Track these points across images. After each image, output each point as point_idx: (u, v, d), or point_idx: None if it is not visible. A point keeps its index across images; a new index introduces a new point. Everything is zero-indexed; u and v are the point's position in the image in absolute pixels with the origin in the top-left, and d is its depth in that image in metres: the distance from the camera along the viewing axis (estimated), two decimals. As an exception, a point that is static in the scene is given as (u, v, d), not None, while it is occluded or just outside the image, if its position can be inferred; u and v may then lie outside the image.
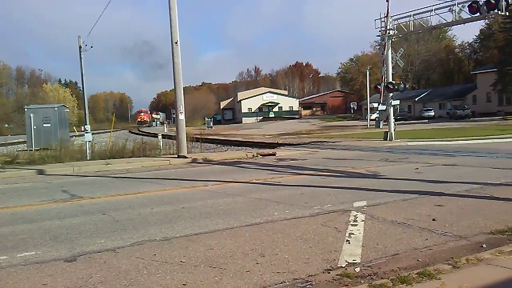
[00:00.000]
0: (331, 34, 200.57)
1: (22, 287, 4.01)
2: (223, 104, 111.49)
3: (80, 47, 20.14)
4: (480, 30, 75.13)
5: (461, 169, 11.47)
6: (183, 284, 3.95)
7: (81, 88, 23.44)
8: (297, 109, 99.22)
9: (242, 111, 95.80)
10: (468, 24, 21.94)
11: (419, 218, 6.14)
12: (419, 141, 22.07)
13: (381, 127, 34.74)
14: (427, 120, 56.77)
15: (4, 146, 30.24)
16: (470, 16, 19.58)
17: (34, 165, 15.19)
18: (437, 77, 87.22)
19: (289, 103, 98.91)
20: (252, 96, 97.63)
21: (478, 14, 18.64)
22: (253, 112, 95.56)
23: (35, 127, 24.64)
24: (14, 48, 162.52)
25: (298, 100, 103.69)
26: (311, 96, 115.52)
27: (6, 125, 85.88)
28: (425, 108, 65.09)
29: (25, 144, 27.11)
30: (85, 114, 19.76)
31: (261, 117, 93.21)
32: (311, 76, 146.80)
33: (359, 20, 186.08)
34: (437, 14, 21.05)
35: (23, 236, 5.82)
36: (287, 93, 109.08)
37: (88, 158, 16.97)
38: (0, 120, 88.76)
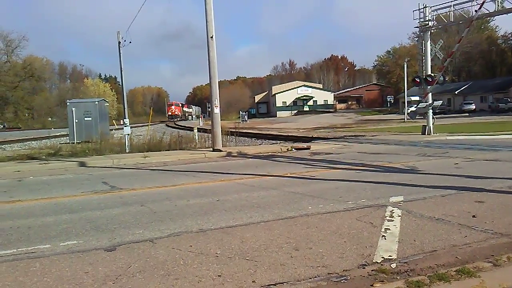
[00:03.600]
0: (367, 26, 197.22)
1: (64, 275, 4.17)
2: (257, 98, 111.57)
3: (119, 42, 20.64)
4: (525, 20, 71.91)
5: (503, 164, 11.06)
6: (218, 275, 4.02)
7: (120, 83, 24.03)
8: (332, 103, 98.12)
9: (277, 105, 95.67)
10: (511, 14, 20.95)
11: (458, 214, 5.98)
12: (459, 136, 21.40)
13: (414, 119, 33.91)
14: (467, 114, 54.94)
15: (48, 139, 31.53)
16: (514, 6, 18.76)
17: (76, 157, 15.76)
18: (478, 69, 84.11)
19: (323, 96, 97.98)
20: (286, 90, 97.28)
21: (523, 3, 17.83)
22: (288, 105, 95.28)
23: (76, 120, 25.55)
24: (57, 45, 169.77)
25: (333, 93, 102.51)
26: (346, 90, 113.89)
27: (50, 119, 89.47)
28: (466, 102, 63.04)
29: (67, 137, 28.09)
30: (124, 108, 20.27)
31: (296, 111, 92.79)
32: (346, 69, 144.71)
33: (396, 11, 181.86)
34: (479, 4, 20.27)
35: (66, 225, 6.05)
36: (321, 87, 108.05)
37: (127, 151, 17.41)
38: (43, 114, 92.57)
